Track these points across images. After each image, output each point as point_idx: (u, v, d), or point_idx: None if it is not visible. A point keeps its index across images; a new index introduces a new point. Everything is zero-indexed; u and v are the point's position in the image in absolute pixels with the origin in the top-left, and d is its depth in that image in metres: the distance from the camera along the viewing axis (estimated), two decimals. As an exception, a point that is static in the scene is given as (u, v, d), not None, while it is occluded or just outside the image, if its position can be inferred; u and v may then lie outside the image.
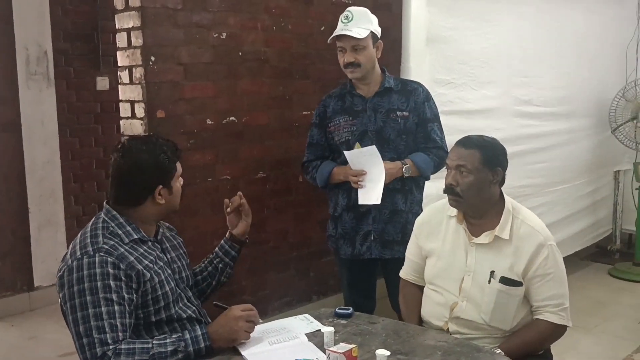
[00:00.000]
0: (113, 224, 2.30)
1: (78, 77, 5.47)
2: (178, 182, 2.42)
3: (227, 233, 2.76)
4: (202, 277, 2.71)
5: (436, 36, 4.19)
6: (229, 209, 2.72)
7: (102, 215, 2.33)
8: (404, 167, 3.39)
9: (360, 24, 3.34)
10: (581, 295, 5.04)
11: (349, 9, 3.40)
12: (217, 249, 2.75)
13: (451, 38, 4.32)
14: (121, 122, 3.73)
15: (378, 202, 3.33)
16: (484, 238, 2.61)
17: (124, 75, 3.65)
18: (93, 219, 2.35)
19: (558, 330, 2.60)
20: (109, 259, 2.17)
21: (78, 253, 2.20)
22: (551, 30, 5.22)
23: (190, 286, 2.56)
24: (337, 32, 3.36)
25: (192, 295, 2.52)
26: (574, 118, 5.61)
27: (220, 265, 2.72)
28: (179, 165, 2.42)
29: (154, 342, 2.15)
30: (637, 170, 5.75)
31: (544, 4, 5.13)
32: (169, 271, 2.38)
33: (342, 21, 3.38)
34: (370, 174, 3.34)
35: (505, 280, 2.55)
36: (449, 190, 2.64)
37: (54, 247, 5.24)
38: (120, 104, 3.71)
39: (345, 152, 3.38)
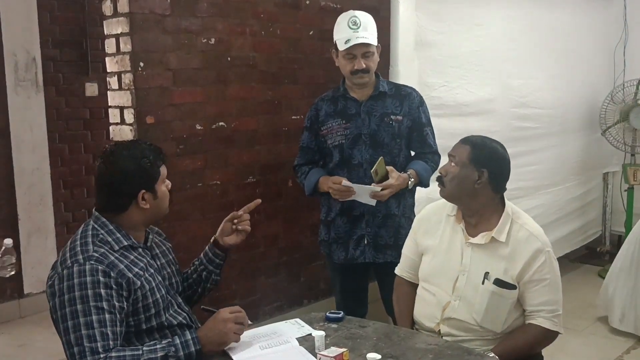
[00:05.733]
0: (103, 231, 2.29)
1: (67, 83, 5.46)
2: (163, 186, 2.40)
3: (212, 239, 2.71)
4: (187, 284, 2.69)
5: (425, 40, 4.21)
6: (241, 211, 2.68)
7: (92, 222, 2.32)
8: (410, 181, 3.40)
9: (369, 29, 3.35)
10: (571, 296, 5.05)
11: (354, 14, 3.37)
12: (201, 255, 2.71)
13: (441, 42, 4.34)
14: (110, 128, 3.72)
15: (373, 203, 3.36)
16: (481, 239, 2.62)
17: (112, 81, 3.65)
18: (82, 226, 2.33)
19: (550, 336, 2.61)
20: (100, 267, 2.16)
21: (68, 261, 2.19)
22: (541, 33, 5.25)
23: (180, 292, 2.56)
24: (352, 41, 3.31)
25: (183, 302, 2.51)
26: (564, 120, 5.64)
27: (205, 273, 2.68)
28: (163, 169, 2.39)
29: (144, 348, 2.15)
30: (626, 172, 5.78)
31: (533, 7, 5.16)
32: (159, 278, 2.37)
33: (350, 27, 3.33)
34: (357, 198, 3.35)
35: (499, 282, 2.57)
36: (437, 178, 2.72)
37: (43, 254, 5.22)
38: (110, 109, 3.71)
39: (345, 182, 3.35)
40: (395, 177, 3.32)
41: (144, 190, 2.32)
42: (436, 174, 2.85)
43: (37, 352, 4.51)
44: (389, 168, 3.33)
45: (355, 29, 3.34)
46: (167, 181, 2.43)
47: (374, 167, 3.26)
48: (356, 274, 3.62)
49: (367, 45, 3.32)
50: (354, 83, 3.44)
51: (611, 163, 6.28)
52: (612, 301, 4.60)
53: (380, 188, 3.26)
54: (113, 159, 2.31)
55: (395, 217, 3.48)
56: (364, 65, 3.35)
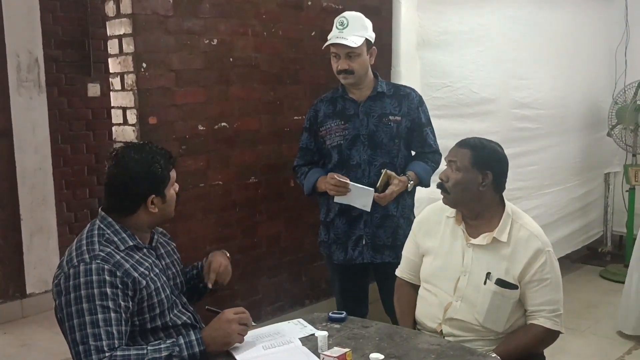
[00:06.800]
0: (109, 231, 2.30)
1: (69, 84, 5.47)
2: (172, 190, 2.41)
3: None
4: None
5: (428, 41, 4.21)
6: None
7: (98, 221, 2.33)
8: (409, 183, 3.41)
9: (355, 30, 3.34)
10: (573, 297, 5.06)
11: (344, 14, 3.40)
12: (199, 266, 2.68)
13: (444, 42, 4.34)
14: (113, 128, 3.73)
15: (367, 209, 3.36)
16: (482, 239, 2.63)
17: (115, 82, 3.66)
18: (88, 225, 2.34)
19: (551, 336, 2.62)
20: (106, 267, 2.17)
21: (74, 260, 2.20)
22: (543, 33, 5.25)
23: (184, 292, 2.56)
24: (332, 40, 3.36)
25: (187, 301, 2.52)
26: (565, 120, 5.64)
27: (201, 285, 2.65)
28: (173, 173, 2.41)
29: (149, 348, 2.15)
30: (627, 173, 5.78)
31: (535, 8, 5.16)
32: (164, 278, 2.38)
33: (337, 27, 3.37)
34: (354, 201, 3.35)
35: (501, 282, 2.57)
36: (439, 185, 2.70)
37: (46, 254, 5.22)
38: (112, 110, 3.71)
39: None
40: (396, 183, 3.34)
41: (153, 195, 2.33)
42: (437, 174, 2.85)
43: (39, 352, 4.51)
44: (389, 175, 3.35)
45: (340, 30, 3.36)
46: (176, 184, 2.44)
47: (380, 182, 3.29)
48: (355, 274, 3.63)
49: (349, 46, 3.31)
50: (342, 83, 3.46)
51: (612, 163, 6.29)
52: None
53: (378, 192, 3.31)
54: (124, 163, 2.32)
55: (393, 217, 3.49)
56: (347, 66, 3.36)
